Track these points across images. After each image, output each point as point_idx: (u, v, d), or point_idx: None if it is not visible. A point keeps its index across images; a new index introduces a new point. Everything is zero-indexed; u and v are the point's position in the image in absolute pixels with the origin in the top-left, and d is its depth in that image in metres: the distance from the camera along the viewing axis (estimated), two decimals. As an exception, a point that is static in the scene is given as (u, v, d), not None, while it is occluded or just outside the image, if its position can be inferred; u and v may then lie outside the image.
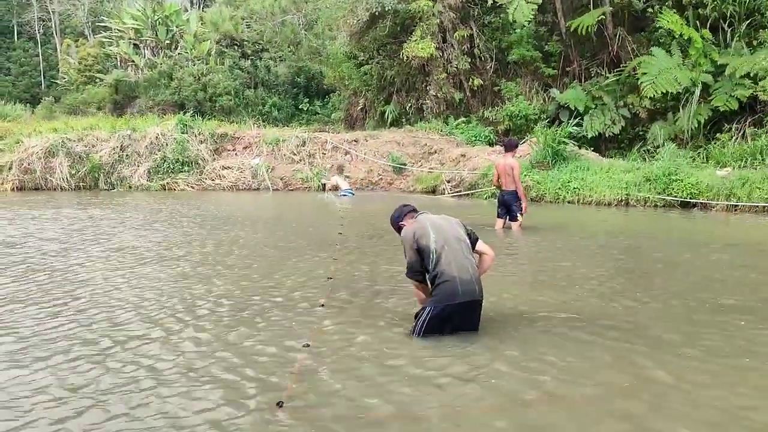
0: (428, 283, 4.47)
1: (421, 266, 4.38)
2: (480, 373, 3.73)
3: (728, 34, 16.03)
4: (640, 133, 17.10)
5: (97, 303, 5.35)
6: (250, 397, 3.41)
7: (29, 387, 3.55)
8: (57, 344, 4.28)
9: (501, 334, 4.43)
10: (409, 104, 21.08)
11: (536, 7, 17.61)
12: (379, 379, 3.66)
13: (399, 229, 4.67)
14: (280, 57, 31.20)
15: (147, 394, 3.46)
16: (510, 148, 9.75)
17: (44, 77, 47.61)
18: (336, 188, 17.01)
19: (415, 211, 4.72)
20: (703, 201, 12.12)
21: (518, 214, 9.48)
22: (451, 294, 4.25)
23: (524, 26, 18.38)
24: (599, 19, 17.61)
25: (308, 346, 4.17)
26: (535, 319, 4.84)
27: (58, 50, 47.15)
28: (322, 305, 5.21)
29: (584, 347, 4.17)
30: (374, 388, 3.53)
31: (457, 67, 19.53)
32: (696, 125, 15.30)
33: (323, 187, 17.66)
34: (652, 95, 15.56)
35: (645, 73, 15.72)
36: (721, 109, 14.89)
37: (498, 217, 9.78)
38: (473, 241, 4.54)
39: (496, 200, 10.04)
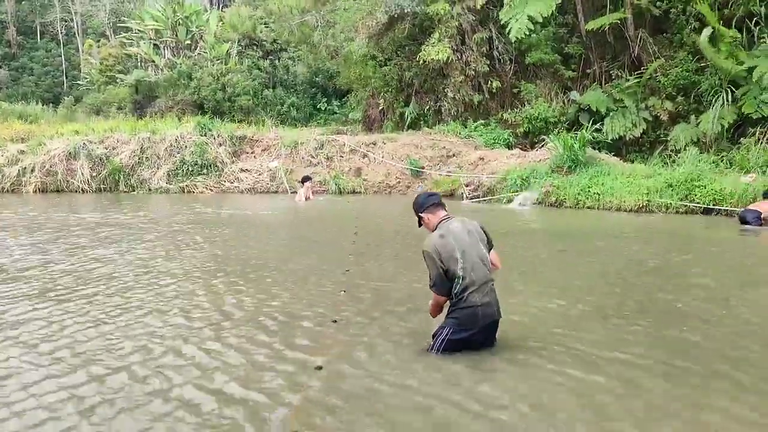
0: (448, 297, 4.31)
1: (448, 285, 4.21)
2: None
3: (755, 35, 15.75)
4: (662, 136, 16.86)
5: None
6: (258, 420, 3.36)
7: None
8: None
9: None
10: (428, 106, 21.00)
11: (532, 24, 17.46)
12: (393, 398, 3.61)
13: (419, 218, 4.48)
14: (298, 57, 31.28)
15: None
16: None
17: (66, 77, 48.24)
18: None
19: (440, 205, 4.47)
20: (726, 208, 11.91)
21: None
22: (473, 321, 4.21)
23: (541, 29, 18.14)
24: (619, 19, 17.39)
25: (320, 368, 4.11)
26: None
27: (80, 51, 47.81)
28: (335, 321, 5.14)
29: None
30: (389, 408, 3.48)
31: (475, 70, 19.40)
32: (720, 129, 15.02)
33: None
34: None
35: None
36: (754, 117, 14.59)
37: None
38: (489, 249, 4.42)
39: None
